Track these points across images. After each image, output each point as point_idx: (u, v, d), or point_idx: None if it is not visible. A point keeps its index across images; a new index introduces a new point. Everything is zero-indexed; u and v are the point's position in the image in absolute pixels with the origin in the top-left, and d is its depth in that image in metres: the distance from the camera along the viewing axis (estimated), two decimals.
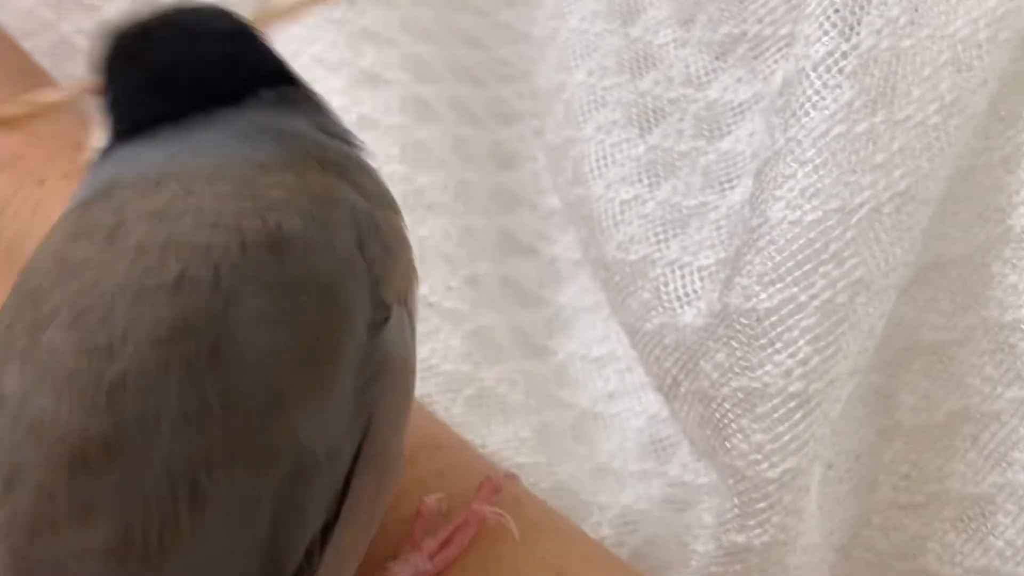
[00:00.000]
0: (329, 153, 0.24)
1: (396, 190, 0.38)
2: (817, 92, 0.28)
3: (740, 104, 0.34)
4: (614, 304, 0.34)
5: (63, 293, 0.21)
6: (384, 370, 0.23)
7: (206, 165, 0.23)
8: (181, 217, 0.22)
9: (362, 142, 0.26)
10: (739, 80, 0.34)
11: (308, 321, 0.22)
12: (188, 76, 0.24)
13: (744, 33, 0.34)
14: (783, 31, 0.33)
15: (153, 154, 0.23)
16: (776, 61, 0.33)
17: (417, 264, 0.38)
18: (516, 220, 0.41)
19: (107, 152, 0.25)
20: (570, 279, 0.40)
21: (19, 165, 0.36)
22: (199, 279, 0.21)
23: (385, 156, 0.39)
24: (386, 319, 0.24)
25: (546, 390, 0.36)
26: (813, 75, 0.28)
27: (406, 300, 0.25)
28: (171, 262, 0.21)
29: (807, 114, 0.28)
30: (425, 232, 0.38)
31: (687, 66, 0.35)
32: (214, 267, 0.21)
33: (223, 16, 0.25)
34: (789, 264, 0.28)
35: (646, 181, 0.34)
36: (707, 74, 0.35)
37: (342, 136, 0.26)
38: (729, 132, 0.33)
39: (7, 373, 0.21)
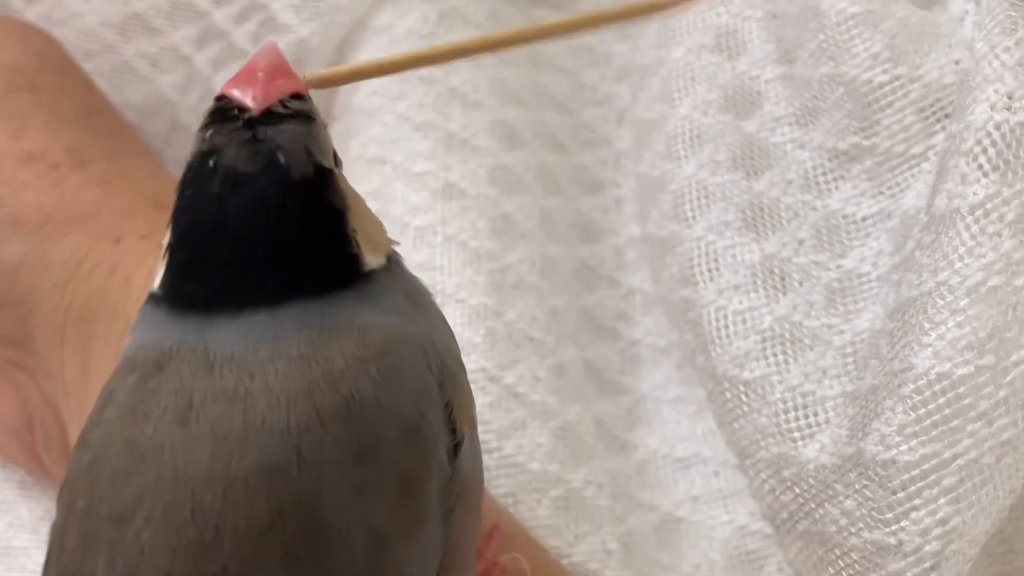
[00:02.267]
0: (386, 304, 0.23)
1: (484, 268, 0.37)
2: (974, 237, 0.27)
3: (864, 219, 0.32)
4: (721, 420, 0.32)
5: (142, 482, 0.20)
6: (462, 492, 0.24)
7: (263, 349, 0.21)
8: (254, 399, 0.21)
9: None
10: (863, 193, 0.32)
11: (398, 463, 0.22)
12: (264, 256, 0.22)
13: (874, 146, 0.32)
14: (916, 149, 0.32)
15: (211, 331, 0.22)
16: (906, 180, 0.32)
17: (507, 348, 0.36)
18: (596, 298, 0.40)
19: (159, 308, 0.23)
20: (652, 366, 0.38)
21: (94, 221, 0.34)
22: (285, 463, 0.20)
23: (473, 229, 0.38)
24: (459, 443, 0.24)
25: (629, 491, 0.35)
26: (969, 218, 0.27)
27: (473, 421, 0.25)
28: (253, 448, 0.20)
29: (961, 259, 0.27)
30: (513, 315, 0.36)
31: (806, 170, 0.34)
32: (296, 448, 0.20)
33: (316, 202, 0.23)
34: (935, 418, 0.26)
35: (762, 292, 0.32)
36: (828, 182, 0.33)
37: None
38: (852, 249, 0.32)
39: (96, 564, 0.20)
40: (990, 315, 0.26)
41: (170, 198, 0.37)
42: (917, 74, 0.31)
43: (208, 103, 0.44)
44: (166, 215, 0.36)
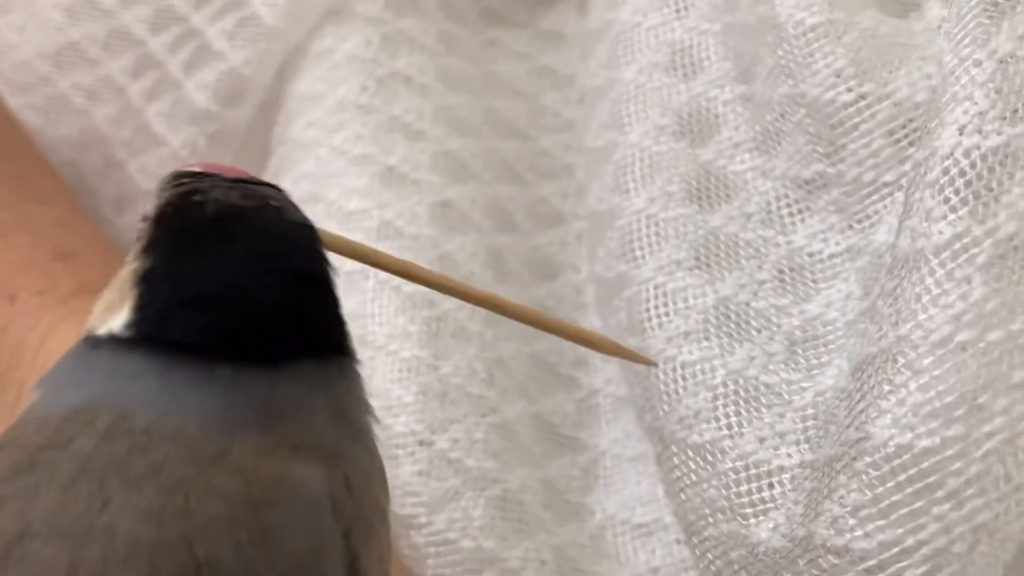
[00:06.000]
0: (314, 434, 0.20)
1: (419, 315, 0.34)
2: (939, 284, 0.23)
3: (831, 257, 0.28)
4: (669, 488, 0.29)
5: None
6: None
7: (153, 446, 0.19)
8: (89, 540, 0.18)
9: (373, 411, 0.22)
10: (830, 227, 0.29)
11: None
12: (241, 309, 0.20)
13: (840, 175, 0.28)
14: (887, 177, 0.28)
15: (127, 390, 0.20)
16: (877, 212, 0.28)
17: (440, 407, 0.33)
18: (552, 343, 0.36)
19: (122, 355, 0.21)
20: (612, 419, 0.35)
21: None
22: None
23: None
24: None
25: (580, 565, 0.31)
26: (935, 261, 0.23)
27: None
28: None
29: (925, 310, 0.23)
30: (449, 369, 0.33)
31: (768, 202, 0.30)
32: None
33: (312, 246, 0.21)
34: (895, 498, 0.22)
35: (715, 342, 0.28)
36: (792, 215, 0.29)
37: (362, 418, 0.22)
38: (818, 292, 0.28)
39: None
40: (959, 377, 0.22)
41: (75, 248, 0.34)
42: (886, 92, 0.28)
43: (141, 136, 0.42)
44: (67, 267, 0.34)
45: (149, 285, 0.21)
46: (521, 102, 0.41)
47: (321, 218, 0.36)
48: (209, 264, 0.20)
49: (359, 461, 0.22)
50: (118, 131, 0.42)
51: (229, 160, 0.41)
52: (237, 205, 0.21)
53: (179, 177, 0.22)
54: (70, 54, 0.43)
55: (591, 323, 0.36)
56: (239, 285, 0.20)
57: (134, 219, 0.41)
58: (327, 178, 0.36)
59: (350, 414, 0.22)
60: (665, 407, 0.28)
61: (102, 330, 0.21)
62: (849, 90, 0.28)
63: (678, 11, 0.33)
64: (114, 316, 0.21)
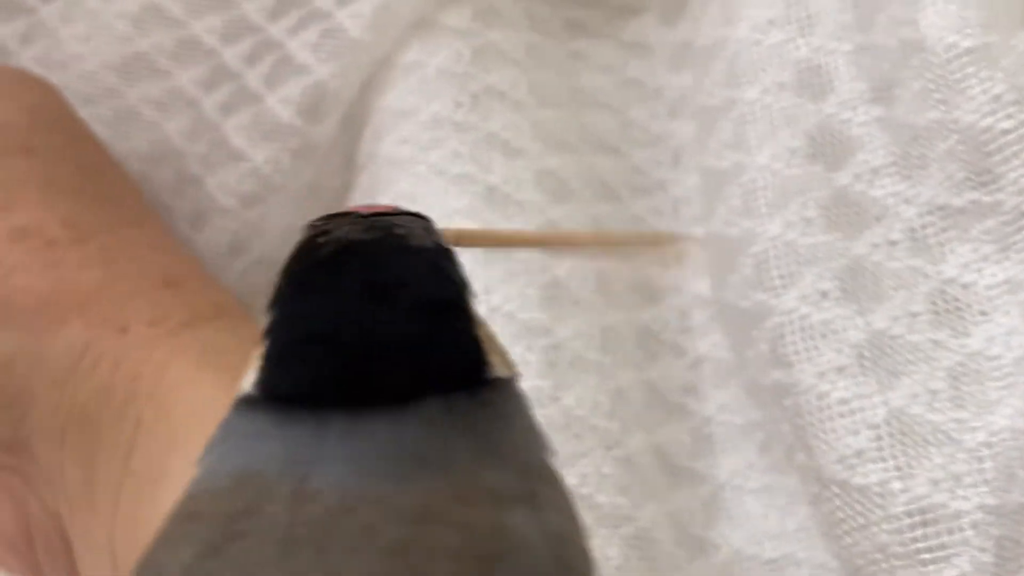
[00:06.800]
0: (487, 477, 0.19)
1: (536, 344, 0.33)
2: None
3: (987, 288, 0.28)
4: (829, 531, 0.28)
5: None
6: None
7: (348, 508, 0.18)
8: None
9: (551, 446, 0.20)
10: (985, 258, 0.28)
11: None
12: (347, 351, 0.19)
13: (998, 204, 0.27)
14: None
15: (285, 452, 0.18)
16: None
17: (566, 440, 0.32)
18: (661, 370, 0.35)
19: (252, 414, 0.19)
20: (730, 449, 0.34)
21: (95, 308, 0.30)
22: None
23: (521, 299, 0.33)
24: None
25: None
26: None
27: None
28: None
29: None
30: (572, 400, 0.32)
31: (913, 229, 0.29)
32: None
33: (436, 272, 0.20)
34: None
35: (872, 377, 0.28)
36: (941, 244, 0.29)
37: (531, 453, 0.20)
38: (977, 326, 0.27)
39: None
40: None
41: (179, 273, 0.33)
42: None
43: (219, 151, 0.41)
44: (176, 295, 0.32)
45: (268, 337, 0.20)
46: (609, 115, 0.40)
47: None
48: (317, 307, 0.19)
49: (557, 504, 0.20)
50: (192, 145, 0.40)
51: (310, 176, 0.39)
52: (354, 240, 0.20)
53: (313, 223, 0.21)
54: (137, 65, 0.41)
55: (699, 349, 0.35)
56: (345, 325, 0.19)
57: (213, 235, 0.40)
58: (426, 197, 0.35)
59: (505, 450, 0.20)
60: (822, 446, 0.27)
61: (243, 390, 0.20)
62: (1009, 116, 0.27)
63: (802, 29, 0.32)
64: (250, 374, 0.20)
